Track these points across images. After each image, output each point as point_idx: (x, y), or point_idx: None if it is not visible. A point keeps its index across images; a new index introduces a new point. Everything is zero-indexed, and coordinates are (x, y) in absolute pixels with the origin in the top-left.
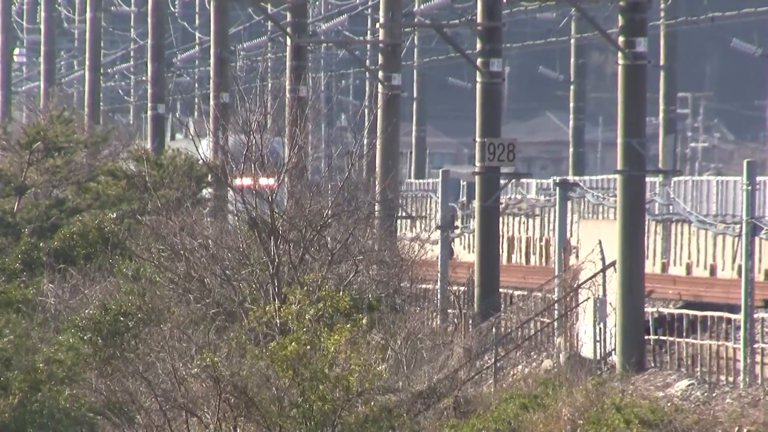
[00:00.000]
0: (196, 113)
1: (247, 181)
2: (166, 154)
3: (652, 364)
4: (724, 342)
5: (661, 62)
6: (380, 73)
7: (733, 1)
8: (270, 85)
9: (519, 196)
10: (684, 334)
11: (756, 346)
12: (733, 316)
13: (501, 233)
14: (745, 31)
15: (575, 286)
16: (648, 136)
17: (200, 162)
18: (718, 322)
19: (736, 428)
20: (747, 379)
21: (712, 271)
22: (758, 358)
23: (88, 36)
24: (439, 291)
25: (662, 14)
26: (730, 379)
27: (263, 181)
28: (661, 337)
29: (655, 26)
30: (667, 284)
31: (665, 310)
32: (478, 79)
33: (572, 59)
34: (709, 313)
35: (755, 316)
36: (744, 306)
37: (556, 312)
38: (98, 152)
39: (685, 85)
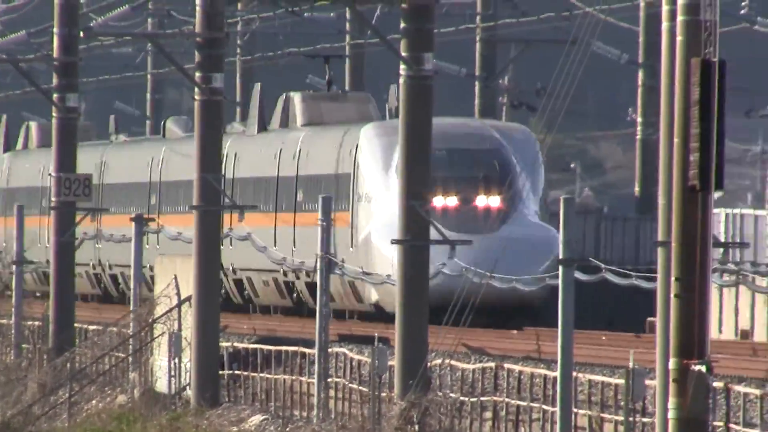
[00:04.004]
0: None
1: None
2: None
3: (227, 399)
4: (299, 376)
5: (238, 98)
6: None
7: (310, 37)
8: None
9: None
10: (259, 368)
11: (330, 380)
12: (308, 351)
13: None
14: (320, 68)
15: (150, 320)
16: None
17: None
18: (293, 357)
19: None
20: (321, 414)
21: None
22: (332, 392)
23: None
24: (13, 326)
25: (239, 50)
26: (304, 413)
27: None
28: (236, 372)
29: (232, 62)
30: (241, 319)
31: (240, 345)
32: (55, 114)
33: (148, 94)
34: (284, 348)
35: (330, 350)
36: (318, 341)
37: (131, 347)
38: None
39: None
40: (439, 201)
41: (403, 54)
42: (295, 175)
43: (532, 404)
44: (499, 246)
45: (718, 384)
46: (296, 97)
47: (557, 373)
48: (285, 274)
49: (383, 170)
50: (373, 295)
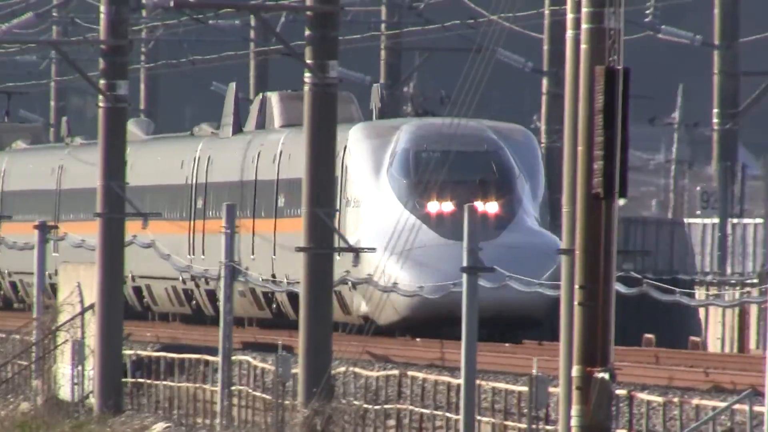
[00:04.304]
0: None
1: None
2: None
3: (130, 407)
4: (202, 384)
5: (142, 105)
6: None
7: (215, 45)
8: None
9: None
10: (162, 376)
11: (233, 388)
12: (211, 359)
13: None
14: (225, 75)
15: (54, 328)
16: None
17: None
18: (196, 365)
19: None
20: (224, 422)
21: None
22: (235, 400)
23: None
24: None
25: (143, 58)
26: (207, 421)
27: None
28: (140, 380)
29: (137, 69)
30: (145, 327)
31: (144, 353)
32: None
33: (52, 102)
34: (187, 356)
35: (233, 358)
36: (221, 348)
37: (34, 354)
38: None
39: (166, 127)
40: (433, 206)
41: (308, 61)
42: (275, 178)
43: (435, 412)
44: (499, 255)
45: (621, 391)
46: (274, 97)
47: (461, 381)
48: (184, 281)
49: (373, 173)
50: (362, 307)
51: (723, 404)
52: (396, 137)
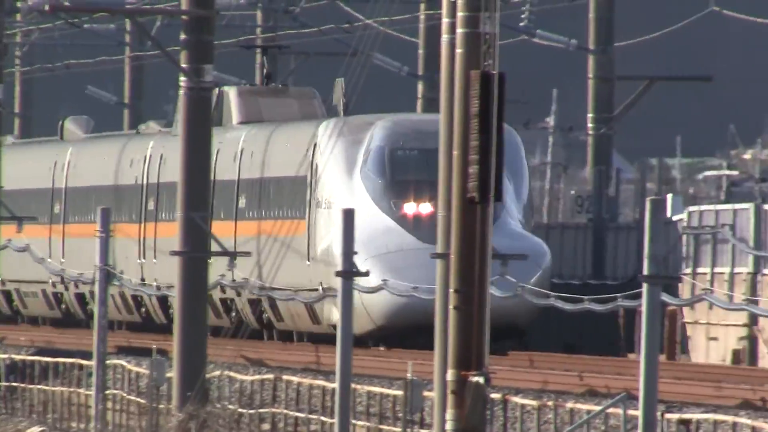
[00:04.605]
0: None
1: None
2: None
3: (4, 411)
4: (77, 388)
5: (17, 109)
6: None
7: (90, 49)
8: None
9: None
10: (36, 380)
11: (108, 392)
12: (85, 363)
13: None
14: (101, 79)
15: None
16: None
17: None
18: (71, 369)
19: None
20: (98, 426)
21: None
22: (110, 404)
23: None
24: None
25: (18, 62)
26: (82, 425)
27: None
28: (14, 384)
29: (11, 73)
30: (19, 331)
31: (18, 357)
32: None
33: None
34: (62, 360)
35: (107, 362)
36: (96, 352)
37: None
38: None
39: (42, 130)
40: (410, 208)
41: (184, 66)
42: (236, 178)
43: (310, 416)
44: None
45: (495, 395)
46: (231, 92)
47: (336, 385)
48: (54, 285)
49: (346, 172)
50: (333, 315)
51: (597, 408)
52: (370, 134)
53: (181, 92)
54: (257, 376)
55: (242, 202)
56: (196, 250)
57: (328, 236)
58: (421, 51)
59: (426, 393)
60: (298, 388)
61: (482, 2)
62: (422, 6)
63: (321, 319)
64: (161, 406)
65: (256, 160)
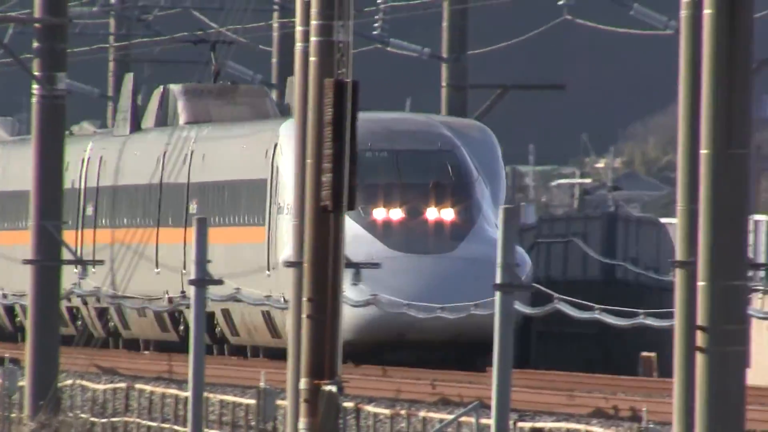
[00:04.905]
0: None
1: None
2: None
3: None
4: None
5: None
6: None
7: None
8: None
9: None
10: None
11: None
12: None
13: None
14: None
15: None
16: None
17: None
18: None
19: None
20: None
21: None
22: None
23: None
24: None
25: None
26: None
27: None
28: None
29: None
30: None
31: None
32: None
33: None
34: None
35: None
36: None
37: None
38: None
39: None
40: (380, 213)
41: (36, 73)
42: (186, 182)
43: (162, 425)
44: (456, 268)
45: (348, 404)
46: (177, 91)
47: (188, 393)
48: None
49: None
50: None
51: (450, 417)
52: None
53: (34, 100)
54: (110, 385)
55: (193, 208)
56: (47, 258)
57: (291, 243)
58: (274, 59)
59: (279, 402)
60: (150, 396)
61: (336, 11)
62: (276, 14)
63: (282, 332)
64: (13, 415)
65: (209, 162)
